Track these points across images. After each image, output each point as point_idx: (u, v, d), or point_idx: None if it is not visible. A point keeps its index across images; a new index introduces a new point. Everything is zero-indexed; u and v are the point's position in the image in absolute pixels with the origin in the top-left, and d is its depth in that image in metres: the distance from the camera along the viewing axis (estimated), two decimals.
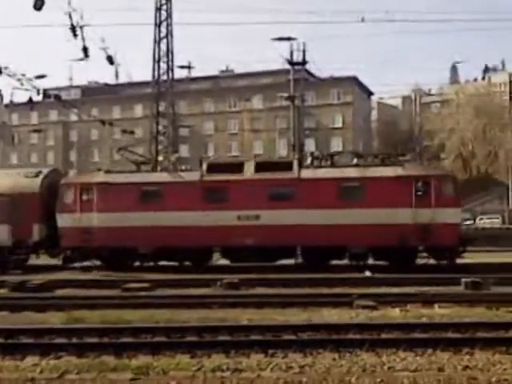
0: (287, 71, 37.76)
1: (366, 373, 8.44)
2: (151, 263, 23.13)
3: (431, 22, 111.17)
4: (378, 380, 8.08)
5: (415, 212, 21.35)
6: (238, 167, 22.96)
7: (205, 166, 23.20)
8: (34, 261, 25.13)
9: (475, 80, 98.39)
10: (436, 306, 13.51)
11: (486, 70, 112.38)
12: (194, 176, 23.02)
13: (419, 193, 21.65)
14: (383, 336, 10.35)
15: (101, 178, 23.78)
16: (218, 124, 72.76)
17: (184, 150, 64.13)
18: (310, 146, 55.88)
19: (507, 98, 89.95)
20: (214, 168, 23.32)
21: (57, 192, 23.59)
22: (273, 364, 8.83)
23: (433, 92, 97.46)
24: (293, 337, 10.35)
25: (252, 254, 22.02)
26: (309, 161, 23.83)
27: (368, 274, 19.95)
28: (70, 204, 23.26)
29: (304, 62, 37.13)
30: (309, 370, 8.60)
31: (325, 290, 16.33)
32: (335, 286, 17.33)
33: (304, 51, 36.33)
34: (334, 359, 9.16)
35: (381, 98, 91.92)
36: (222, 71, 79.01)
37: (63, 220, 23.25)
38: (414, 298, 14.57)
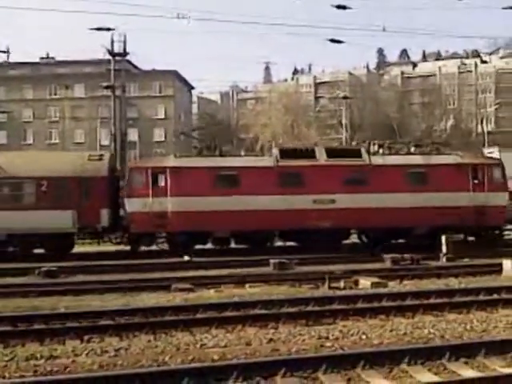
0: (109, 61, 37.11)
1: (180, 351, 8.86)
2: None
3: (249, 23, 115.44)
4: (190, 357, 8.52)
5: (472, 196, 23.41)
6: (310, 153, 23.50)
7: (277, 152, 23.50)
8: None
9: (285, 80, 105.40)
10: (247, 285, 14.47)
11: (295, 71, 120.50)
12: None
13: (475, 179, 23.76)
14: (198, 316, 10.92)
15: (174, 162, 23.12)
16: (38, 111, 69.69)
17: (2, 136, 61.16)
18: (132, 135, 55.62)
19: (312, 98, 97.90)
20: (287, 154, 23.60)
21: (117, 176, 23.17)
22: (88, 349, 8.92)
23: (249, 89, 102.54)
24: (110, 322, 10.50)
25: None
26: (376, 148, 24.60)
27: (186, 258, 20.57)
28: (140, 188, 22.19)
29: (125, 53, 36.80)
30: (124, 353, 8.84)
31: (145, 276, 16.60)
32: (156, 270, 17.68)
33: (125, 42, 35.96)
34: (150, 341, 9.51)
35: (201, 93, 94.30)
36: (42, 58, 75.22)
37: (133, 205, 22.09)
38: (227, 279, 15.47)
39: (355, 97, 76.51)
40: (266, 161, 23.37)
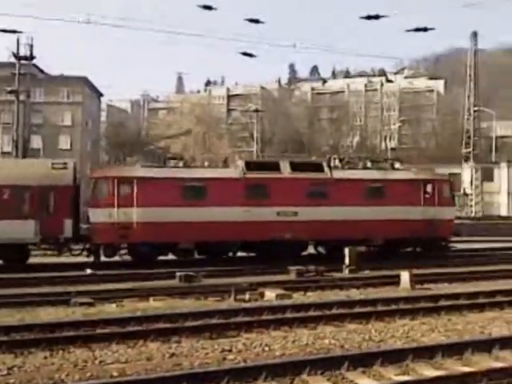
0: (14, 64, 35.67)
1: (77, 368, 8.57)
2: None
3: (164, 32, 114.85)
4: (88, 374, 8.28)
5: (424, 210, 24.50)
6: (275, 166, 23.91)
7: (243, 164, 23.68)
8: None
9: (198, 92, 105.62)
10: (151, 299, 14.21)
11: (208, 83, 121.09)
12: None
13: (427, 194, 24.92)
14: (97, 331, 10.60)
15: (141, 172, 22.53)
16: None
17: None
18: (36, 142, 53.50)
19: (225, 110, 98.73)
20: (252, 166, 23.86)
21: (77, 186, 22.22)
22: None
23: (160, 99, 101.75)
24: (3, 338, 9.97)
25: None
26: (337, 163, 25.15)
27: (89, 271, 19.96)
28: (105, 198, 21.60)
29: (32, 57, 35.52)
30: (17, 371, 8.43)
31: (43, 289, 15.91)
32: (55, 284, 16.98)
33: (32, 46, 34.78)
34: (46, 357, 9.14)
35: (110, 100, 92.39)
36: None
37: (97, 215, 21.49)
38: (131, 292, 15.16)
39: (267, 110, 77.79)
40: (233, 172, 23.47)
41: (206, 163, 26.86)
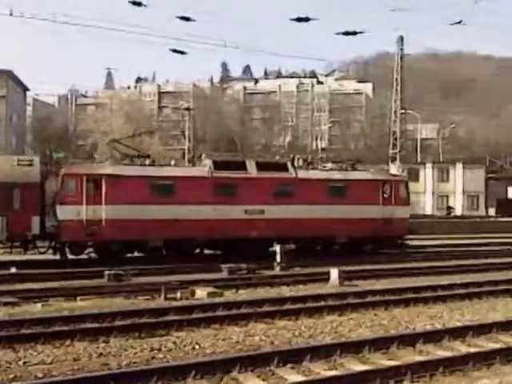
0: None
1: (0, 370, 8.25)
2: None
3: (91, 27, 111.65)
4: (11, 376, 7.98)
5: (382, 209, 25.62)
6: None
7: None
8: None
9: (128, 88, 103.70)
10: (78, 298, 13.86)
11: (139, 79, 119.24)
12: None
13: (385, 194, 26.01)
14: (22, 332, 10.23)
15: (110, 169, 22.27)
16: None
17: None
18: None
19: (155, 107, 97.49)
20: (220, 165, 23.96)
21: (42, 182, 21.64)
22: None
23: (89, 95, 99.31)
24: None
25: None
26: (300, 163, 25.82)
27: (13, 270, 19.24)
28: (73, 196, 21.30)
29: None
30: None
31: None
32: None
33: None
34: None
35: (37, 95, 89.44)
36: None
37: (65, 212, 21.15)
38: (57, 292, 14.73)
39: (199, 108, 77.43)
40: (201, 171, 23.60)
41: (173, 162, 26.74)
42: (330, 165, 27.02)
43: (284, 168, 25.04)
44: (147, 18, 45.75)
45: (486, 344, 9.86)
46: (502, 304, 14.03)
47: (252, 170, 24.29)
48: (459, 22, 20.18)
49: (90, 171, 22.39)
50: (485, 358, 8.72)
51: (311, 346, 9.30)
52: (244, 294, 15.33)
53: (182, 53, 21.39)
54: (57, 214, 21.29)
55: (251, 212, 23.65)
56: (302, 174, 25.07)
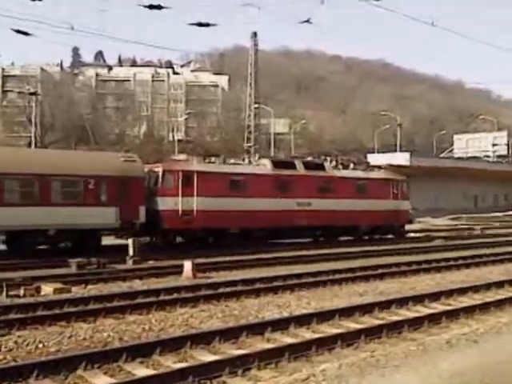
0: None
1: None
2: None
3: None
4: None
5: (392, 202, 32.02)
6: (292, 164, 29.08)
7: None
8: None
9: None
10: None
11: None
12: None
13: (394, 190, 32.34)
14: None
15: (199, 166, 25.77)
16: None
17: None
18: None
19: None
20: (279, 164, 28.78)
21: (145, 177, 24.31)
22: None
23: None
24: None
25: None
26: (334, 163, 31.28)
27: None
28: (171, 188, 24.50)
29: None
30: None
31: None
32: None
33: None
34: None
35: None
36: None
37: (165, 203, 24.32)
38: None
39: (47, 94, 73.47)
40: (264, 169, 27.99)
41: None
42: (351, 165, 32.44)
43: (323, 167, 30.12)
44: None
45: (330, 330, 10.40)
46: (345, 291, 14.90)
47: (300, 168, 29.05)
48: (307, 21, 20.93)
49: (184, 168, 25.42)
50: (327, 343, 9.20)
51: (161, 340, 9.23)
52: (93, 290, 14.83)
53: (26, 34, 19.88)
54: (157, 204, 24.14)
55: (302, 204, 28.28)
56: (336, 172, 30.42)
